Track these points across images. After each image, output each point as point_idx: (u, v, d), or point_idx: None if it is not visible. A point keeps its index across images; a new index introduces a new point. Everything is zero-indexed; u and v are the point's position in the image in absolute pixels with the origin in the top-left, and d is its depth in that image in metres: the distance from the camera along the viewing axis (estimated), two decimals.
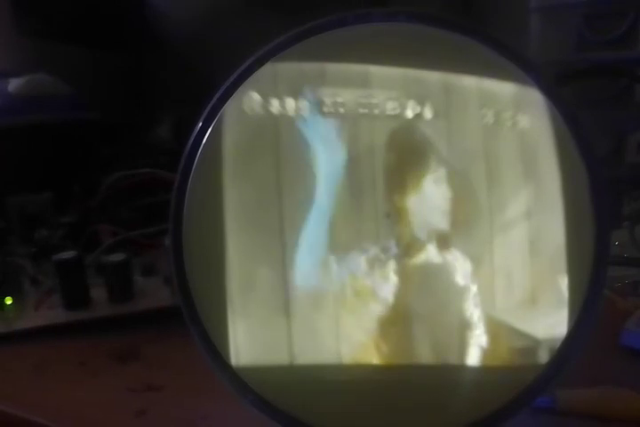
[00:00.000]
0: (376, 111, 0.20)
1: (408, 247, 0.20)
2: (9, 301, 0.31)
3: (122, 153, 0.48)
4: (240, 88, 0.20)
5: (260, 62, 0.20)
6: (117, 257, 0.32)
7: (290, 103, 0.20)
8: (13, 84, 0.47)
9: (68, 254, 0.31)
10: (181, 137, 0.52)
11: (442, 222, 0.20)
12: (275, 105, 0.20)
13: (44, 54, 0.57)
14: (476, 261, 0.20)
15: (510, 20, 0.48)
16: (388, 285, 0.20)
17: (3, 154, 0.44)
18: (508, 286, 0.20)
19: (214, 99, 0.20)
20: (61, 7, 0.57)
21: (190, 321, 0.19)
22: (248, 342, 0.20)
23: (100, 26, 0.58)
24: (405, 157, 0.20)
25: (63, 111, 0.47)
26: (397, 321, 0.20)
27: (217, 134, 0.20)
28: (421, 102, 0.20)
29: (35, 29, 0.58)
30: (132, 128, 0.53)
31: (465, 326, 0.20)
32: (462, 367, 0.20)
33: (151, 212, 0.38)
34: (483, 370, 0.20)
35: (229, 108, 0.20)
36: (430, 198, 0.20)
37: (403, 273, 0.20)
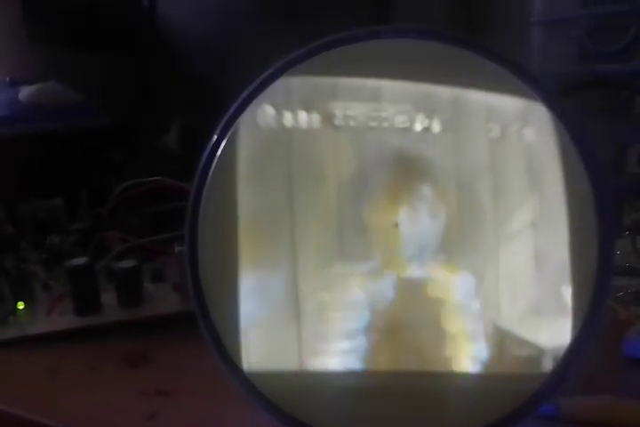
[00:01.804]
0: (385, 124, 0.21)
1: (409, 261, 0.21)
2: (21, 306, 0.32)
3: (130, 160, 0.48)
4: (254, 102, 0.20)
5: (274, 77, 0.20)
6: (128, 263, 0.32)
7: (302, 116, 0.20)
8: (24, 93, 0.48)
9: (79, 261, 0.32)
10: (188, 144, 0.53)
11: (444, 239, 0.21)
12: (288, 118, 0.20)
13: (55, 62, 0.57)
14: (482, 272, 0.21)
15: (512, 32, 0.49)
16: (388, 295, 0.20)
17: (14, 161, 0.45)
18: (512, 296, 0.21)
19: (229, 112, 0.20)
20: (72, 15, 0.58)
21: (204, 327, 0.20)
22: (260, 347, 0.20)
23: (109, 33, 0.59)
24: (410, 175, 0.21)
25: (73, 119, 0.48)
26: (400, 330, 0.20)
27: (231, 146, 0.20)
28: (430, 116, 0.21)
29: (45, 37, 0.59)
30: (140, 135, 0.54)
31: (467, 338, 0.20)
32: (467, 375, 0.21)
33: (160, 219, 0.39)
34: (487, 378, 0.21)
35: (244, 121, 0.20)
36: (433, 216, 0.21)
37: (404, 286, 0.20)
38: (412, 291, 0.21)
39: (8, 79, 0.52)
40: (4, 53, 0.60)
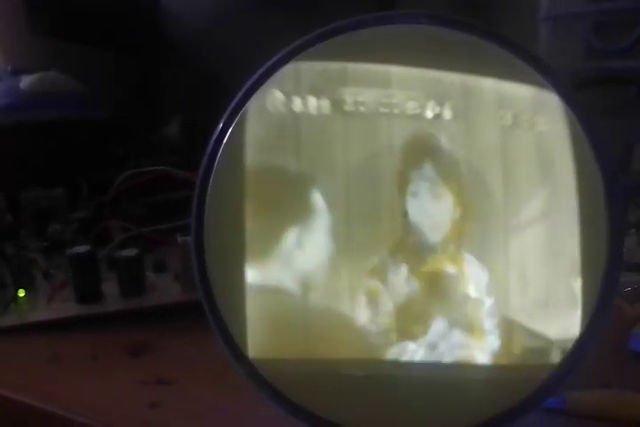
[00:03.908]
0: (396, 111, 0.20)
1: (418, 251, 0.20)
2: (22, 293, 0.32)
3: (132, 151, 0.48)
4: (263, 86, 0.20)
5: (283, 61, 0.20)
6: (130, 252, 0.32)
7: (312, 102, 0.20)
8: (25, 82, 0.48)
9: (81, 248, 0.32)
10: (190, 137, 0.53)
11: (453, 229, 0.20)
12: (297, 103, 0.20)
13: (56, 52, 0.57)
14: (491, 263, 0.21)
15: (519, 28, 0.49)
16: (395, 285, 0.20)
17: (14, 150, 0.45)
18: (522, 287, 0.21)
19: (237, 96, 0.20)
20: (74, 6, 0.58)
21: (210, 314, 0.19)
22: (265, 334, 0.20)
23: (111, 26, 0.59)
24: (420, 163, 0.20)
25: (74, 108, 0.48)
26: (408, 320, 0.20)
27: (239, 131, 0.20)
28: (441, 103, 0.20)
29: (47, 28, 0.59)
30: (141, 126, 0.54)
31: (475, 330, 0.20)
32: (475, 366, 0.20)
33: (162, 209, 0.39)
34: (495, 369, 0.20)
35: (252, 106, 0.20)
36: (442, 206, 0.20)
37: (411, 276, 0.20)
38: (420, 281, 0.20)
39: (10, 68, 0.52)
40: (5, 42, 0.60)
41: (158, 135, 0.54)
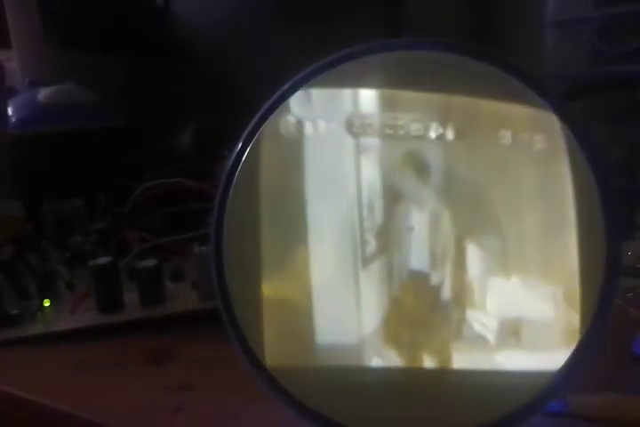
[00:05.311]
0: (401, 132, 0.22)
1: (423, 265, 0.21)
2: (47, 303, 0.33)
3: (146, 162, 0.49)
4: (276, 111, 0.21)
5: (294, 88, 0.21)
6: (150, 262, 0.33)
7: (322, 125, 0.21)
8: (43, 94, 0.49)
9: (103, 260, 0.33)
10: (203, 145, 0.54)
11: (454, 243, 0.21)
12: (308, 127, 0.21)
13: (72, 64, 0.58)
14: (492, 274, 0.22)
15: (525, 34, 0.49)
16: (402, 296, 0.21)
17: (33, 161, 0.46)
18: (522, 297, 0.22)
19: (253, 121, 0.21)
20: (89, 18, 0.59)
21: (228, 323, 0.21)
22: (281, 344, 0.21)
23: (125, 36, 0.60)
24: (424, 182, 0.22)
25: (89, 119, 0.49)
26: (413, 328, 0.21)
27: (255, 153, 0.21)
28: (444, 124, 0.21)
29: (63, 39, 0.60)
30: (155, 136, 0.55)
31: (478, 337, 0.21)
32: (477, 372, 0.21)
33: (177, 219, 0.40)
34: (497, 374, 0.21)
35: (267, 130, 0.21)
36: (446, 222, 0.21)
37: (417, 288, 0.21)
38: (425, 293, 0.21)
39: (27, 80, 0.54)
40: (23, 56, 0.62)
41: (171, 144, 0.56)
